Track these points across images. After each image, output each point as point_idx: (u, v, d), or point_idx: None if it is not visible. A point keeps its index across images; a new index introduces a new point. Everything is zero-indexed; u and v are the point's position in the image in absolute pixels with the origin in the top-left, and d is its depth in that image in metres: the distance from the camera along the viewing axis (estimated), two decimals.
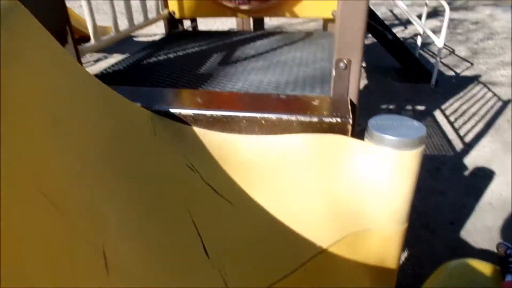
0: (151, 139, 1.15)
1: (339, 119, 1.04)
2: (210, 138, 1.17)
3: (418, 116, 3.85)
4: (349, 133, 1.06)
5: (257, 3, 2.03)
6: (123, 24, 1.79)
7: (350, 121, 1.04)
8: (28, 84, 0.85)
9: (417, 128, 1.01)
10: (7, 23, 0.88)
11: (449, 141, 3.34)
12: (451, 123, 3.66)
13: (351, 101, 1.16)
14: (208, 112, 1.13)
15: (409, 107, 4.06)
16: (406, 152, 0.95)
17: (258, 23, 2.66)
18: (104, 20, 2.73)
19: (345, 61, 1.10)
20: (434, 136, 3.44)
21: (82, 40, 1.49)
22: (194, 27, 2.58)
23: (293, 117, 1.07)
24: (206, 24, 6.95)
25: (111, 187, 0.92)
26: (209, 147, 1.17)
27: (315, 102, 1.15)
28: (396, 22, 8.04)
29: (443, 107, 4.02)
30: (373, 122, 1.03)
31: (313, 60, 1.60)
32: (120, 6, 1.71)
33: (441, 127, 3.58)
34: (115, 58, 5.48)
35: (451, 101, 4.12)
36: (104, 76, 1.50)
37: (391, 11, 9.29)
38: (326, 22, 2.34)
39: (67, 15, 1.23)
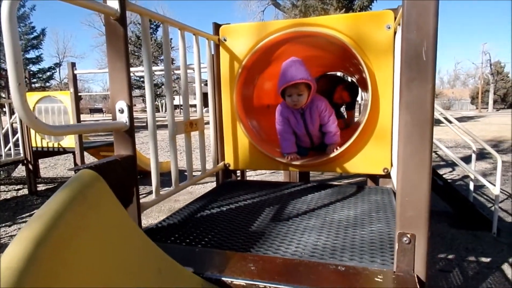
0: None
1: None
2: None
3: (484, 269, 3.44)
4: None
5: (309, 159, 2.14)
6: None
7: None
8: (89, 254, 0.88)
9: None
10: (84, 195, 0.96)
11: None
12: None
13: (418, 278, 1.05)
14: (261, 283, 1.06)
15: (471, 258, 3.67)
16: None
17: (305, 172, 2.75)
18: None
19: (408, 235, 1.04)
20: None
21: (142, 175, 1.60)
22: (242, 173, 2.71)
23: None
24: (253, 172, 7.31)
25: None
26: None
27: (378, 279, 1.06)
28: (442, 163, 8.01)
29: (511, 260, 3.59)
30: None
31: (368, 221, 1.55)
32: (180, 145, 1.85)
33: None
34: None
35: None
36: (160, 230, 1.54)
37: (435, 152, 9.39)
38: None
39: (137, 179, 1.34)
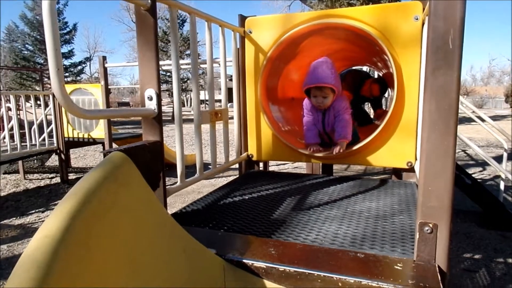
0: None
1: None
2: None
3: None
4: None
5: (331, 151, 2.14)
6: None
7: None
8: (120, 229, 0.93)
9: None
10: (115, 174, 1.01)
11: None
12: None
13: (439, 268, 1.05)
14: (281, 267, 1.09)
15: (499, 260, 3.56)
16: None
17: (327, 166, 2.75)
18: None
19: (430, 225, 1.04)
20: None
21: (168, 167, 1.66)
22: (265, 164, 2.74)
23: (374, 283, 0.98)
24: (276, 162, 7.36)
25: None
26: None
27: (398, 266, 1.06)
28: (472, 162, 7.75)
29: None
30: None
31: (391, 213, 1.55)
32: (205, 140, 1.90)
33: None
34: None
35: None
36: (184, 215, 1.59)
37: (464, 151, 9.09)
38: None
39: (163, 164, 1.40)
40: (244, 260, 1.13)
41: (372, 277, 1.00)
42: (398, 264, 1.07)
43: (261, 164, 2.58)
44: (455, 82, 0.99)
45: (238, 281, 1.13)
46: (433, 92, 1.01)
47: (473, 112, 4.91)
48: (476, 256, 3.67)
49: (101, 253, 0.84)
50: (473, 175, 4.26)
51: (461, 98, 5.11)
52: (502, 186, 4.75)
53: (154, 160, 1.34)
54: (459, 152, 9.11)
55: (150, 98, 1.37)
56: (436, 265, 1.05)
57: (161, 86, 1.45)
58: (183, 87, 30.96)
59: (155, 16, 1.34)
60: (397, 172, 2.50)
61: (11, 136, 5.66)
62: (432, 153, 1.02)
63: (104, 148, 6.19)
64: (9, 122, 5.81)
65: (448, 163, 1.01)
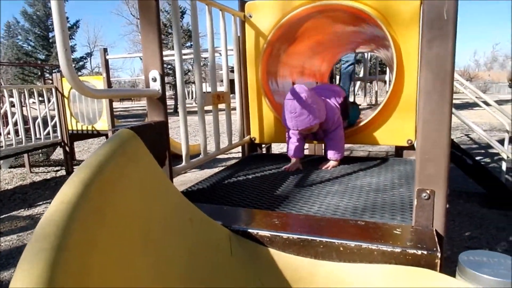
0: (227, 258, 1.17)
1: (425, 251, 0.98)
2: (285, 260, 1.15)
3: None
4: (438, 267, 0.98)
5: None
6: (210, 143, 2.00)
7: (439, 254, 0.97)
8: (131, 199, 0.98)
9: None
10: (124, 149, 1.06)
11: None
12: None
13: (437, 232, 1.09)
14: (284, 234, 1.14)
15: (502, 237, 3.61)
16: None
17: None
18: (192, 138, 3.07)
19: (428, 191, 1.08)
20: None
21: (172, 157, 1.70)
22: (268, 148, 2.78)
23: (373, 246, 1.03)
24: (279, 144, 7.41)
25: None
26: (283, 269, 1.15)
27: (397, 231, 1.11)
28: (475, 146, 7.76)
29: None
30: (465, 257, 0.95)
31: (391, 186, 1.59)
32: (208, 130, 1.94)
33: None
34: (194, 172, 5.95)
35: None
36: (190, 194, 1.64)
37: (468, 135, 9.09)
38: (400, 147, 2.38)
39: (169, 144, 1.44)
40: (249, 230, 1.18)
41: (372, 241, 1.04)
42: (397, 230, 1.12)
43: (264, 147, 2.63)
44: (449, 52, 1.02)
45: (244, 249, 1.18)
46: (429, 63, 1.04)
47: (477, 96, 4.91)
48: (479, 235, 3.72)
49: (116, 220, 0.89)
50: (476, 158, 4.28)
51: (465, 82, 5.11)
52: (504, 167, 4.79)
53: (160, 139, 1.38)
54: (462, 136, 9.12)
55: (154, 79, 1.41)
56: (434, 229, 1.09)
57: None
58: (185, 80, 30.83)
59: None
60: (398, 152, 2.54)
61: (16, 131, 5.73)
62: (428, 121, 1.06)
63: None
64: (13, 117, 5.88)
65: (444, 131, 1.05)
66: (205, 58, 5.29)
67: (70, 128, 6.30)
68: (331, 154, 2.06)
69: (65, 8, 1.04)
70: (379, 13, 2.01)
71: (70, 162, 6.29)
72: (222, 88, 2.14)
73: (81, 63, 36.95)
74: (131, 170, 1.02)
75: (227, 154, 6.95)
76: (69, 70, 1.02)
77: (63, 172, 6.54)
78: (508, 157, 4.28)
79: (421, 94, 1.07)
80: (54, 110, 6.11)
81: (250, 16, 2.29)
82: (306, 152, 2.27)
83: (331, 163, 2.03)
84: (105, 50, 5.77)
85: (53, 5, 0.98)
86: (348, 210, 1.34)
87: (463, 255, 0.97)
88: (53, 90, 6.13)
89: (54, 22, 1.01)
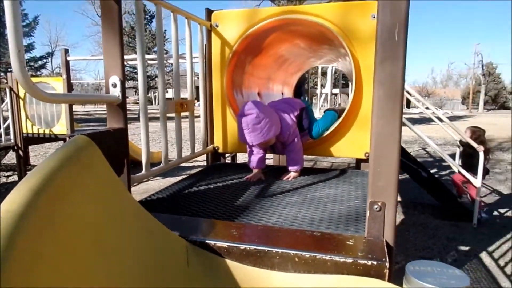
0: (184, 269, 1.15)
1: (374, 262, 1.02)
2: (242, 271, 1.16)
3: (462, 257, 3.57)
4: (386, 277, 1.02)
5: None
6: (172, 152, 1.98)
7: (387, 264, 1.01)
8: (84, 208, 0.95)
9: (460, 277, 0.97)
10: (79, 156, 1.03)
11: None
12: (501, 268, 3.33)
13: (387, 243, 1.14)
14: (241, 245, 1.15)
15: (451, 247, 3.81)
16: None
17: None
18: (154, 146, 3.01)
19: (379, 203, 1.13)
20: (484, 281, 3.11)
21: (134, 164, 1.66)
22: (234, 157, 2.79)
23: (327, 257, 1.06)
24: (244, 154, 7.41)
25: None
26: (240, 281, 1.15)
27: (350, 242, 1.14)
28: (430, 159, 8.18)
29: (489, 249, 3.73)
30: (411, 267, 0.99)
31: (347, 198, 1.65)
32: (172, 137, 1.92)
33: (491, 272, 3.26)
34: (157, 180, 5.83)
35: (497, 243, 3.85)
36: (149, 203, 1.61)
37: (424, 149, 9.56)
38: (360, 159, 2.46)
39: (127, 151, 1.41)
40: (207, 241, 1.17)
41: (325, 252, 1.07)
42: (350, 240, 1.15)
43: (228, 156, 2.63)
44: (400, 71, 1.08)
45: (201, 260, 1.17)
46: (381, 81, 1.10)
47: (433, 112, 5.19)
48: (432, 245, 3.90)
49: (66, 230, 0.85)
50: (431, 171, 4.52)
51: (421, 98, 5.40)
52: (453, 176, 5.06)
53: (119, 147, 1.35)
54: (419, 150, 9.58)
55: (114, 85, 1.38)
56: (384, 240, 1.14)
57: (127, 83, 1.47)
58: (150, 84, 30.42)
59: (119, 3, 1.35)
60: (358, 164, 2.63)
61: None
62: (380, 136, 1.11)
63: None
64: None
65: (394, 145, 1.10)
66: (171, 63, 5.25)
67: (25, 131, 5.98)
68: (290, 165, 2.11)
69: (20, 5, 1.00)
70: (340, 29, 2.09)
71: (23, 167, 5.96)
72: (187, 95, 2.14)
73: (40, 62, 35.26)
74: (85, 178, 0.99)
75: (192, 162, 6.88)
76: (23, 74, 0.98)
77: (15, 178, 6.18)
78: (458, 171, 4.54)
79: (374, 110, 1.12)
80: (7, 111, 5.78)
81: (217, 26, 2.31)
82: (270, 162, 2.30)
83: (291, 174, 2.08)
84: (66, 50, 5.57)
85: (6, 2, 0.95)
86: (305, 221, 1.37)
87: (410, 265, 1.02)
88: (7, 90, 5.81)
89: (6, 21, 0.97)
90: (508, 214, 4.73)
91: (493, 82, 48.80)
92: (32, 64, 34.05)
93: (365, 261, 1.02)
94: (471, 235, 4.07)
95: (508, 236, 4.04)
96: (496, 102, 50.03)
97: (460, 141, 4.66)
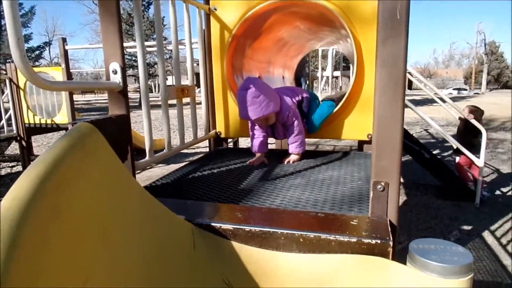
0: (190, 253, 1.17)
1: (378, 241, 1.03)
2: (247, 253, 1.17)
3: (465, 236, 3.61)
4: (390, 255, 1.03)
5: None
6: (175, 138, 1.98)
7: (391, 243, 1.02)
8: (89, 195, 0.96)
9: (463, 254, 0.98)
10: (83, 143, 1.03)
11: (503, 266, 3.03)
12: (504, 246, 3.37)
13: (390, 222, 1.15)
14: (246, 227, 1.16)
15: (453, 226, 3.85)
16: (454, 280, 0.90)
17: None
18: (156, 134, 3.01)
19: (382, 183, 1.13)
20: (486, 259, 3.15)
21: (137, 152, 1.66)
22: (235, 142, 2.79)
23: (331, 237, 1.07)
24: (246, 139, 7.44)
25: None
26: (246, 262, 1.17)
27: (354, 222, 1.16)
28: (433, 140, 8.17)
29: (492, 228, 3.77)
30: (414, 245, 1.01)
31: (350, 179, 1.65)
32: (174, 124, 1.92)
33: (493, 250, 3.30)
34: (160, 167, 5.86)
35: (500, 222, 3.88)
36: (154, 188, 1.62)
37: (426, 130, 9.54)
38: (362, 141, 2.46)
39: (131, 138, 1.42)
40: (212, 224, 1.19)
41: (330, 232, 1.08)
42: (354, 220, 1.17)
43: (230, 141, 2.63)
44: (402, 50, 1.07)
45: (207, 243, 1.19)
46: (383, 60, 1.09)
47: (435, 93, 5.16)
48: (434, 225, 3.94)
49: (72, 217, 0.87)
50: (433, 152, 4.52)
51: (424, 79, 5.36)
52: (458, 160, 5.06)
53: (121, 133, 1.36)
54: (421, 131, 9.56)
55: (115, 72, 1.38)
56: (388, 220, 1.15)
57: (127, 71, 1.46)
58: (150, 72, 30.22)
59: None
60: (360, 146, 2.63)
61: None
62: (382, 116, 1.11)
63: None
64: None
65: (397, 125, 1.10)
66: (170, 50, 5.19)
67: (27, 121, 5.99)
68: (292, 148, 2.11)
69: None
70: (341, 10, 2.07)
71: (27, 157, 5.99)
72: (188, 81, 2.13)
73: (37, 52, 34.98)
74: (90, 165, 1.00)
75: (194, 149, 6.90)
76: (22, 61, 0.97)
77: (19, 168, 6.23)
78: (458, 152, 4.54)
79: (377, 90, 1.11)
80: (8, 102, 5.78)
81: (215, 9, 2.28)
82: (272, 146, 2.30)
83: (293, 157, 2.08)
84: (64, 40, 5.52)
85: None
86: (309, 203, 1.38)
87: (413, 243, 1.03)
88: (7, 81, 5.79)
89: (4, 9, 0.96)
90: (510, 193, 4.75)
91: (496, 61, 48.27)
92: (29, 54, 33.80)
93: (369, 240, 1.03)
94: (473, 214, 4.10)
95: (510, 215, 4.06)
96: (498, 81, 49.59)
97: (459, 118, 4.67)
